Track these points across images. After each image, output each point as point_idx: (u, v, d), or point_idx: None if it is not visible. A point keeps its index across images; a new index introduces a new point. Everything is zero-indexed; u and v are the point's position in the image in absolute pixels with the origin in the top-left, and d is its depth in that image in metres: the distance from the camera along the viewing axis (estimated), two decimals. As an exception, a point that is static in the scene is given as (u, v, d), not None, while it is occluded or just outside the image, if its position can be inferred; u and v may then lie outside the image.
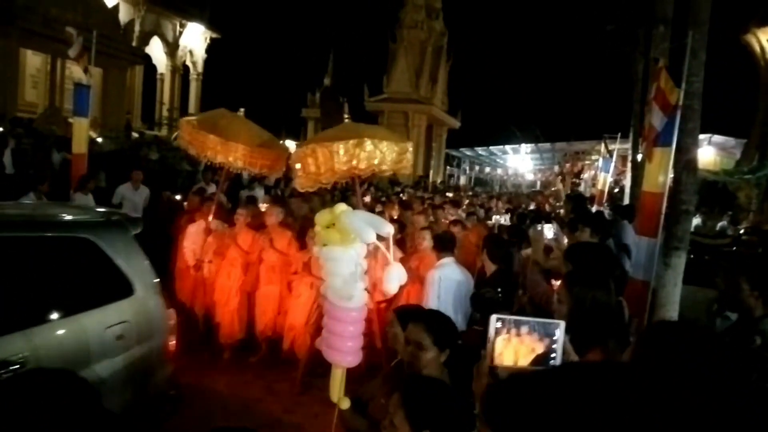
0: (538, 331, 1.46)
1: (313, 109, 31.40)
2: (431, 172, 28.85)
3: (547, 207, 13.45)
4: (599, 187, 15.93)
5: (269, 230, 6.13)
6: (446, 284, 4.64)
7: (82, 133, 8.06)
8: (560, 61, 55.17)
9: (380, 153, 4.86)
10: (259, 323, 6.01)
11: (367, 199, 11.42)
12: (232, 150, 5.68)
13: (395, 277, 2.48)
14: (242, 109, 6.58)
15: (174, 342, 3.80)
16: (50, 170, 10.00)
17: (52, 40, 16.59)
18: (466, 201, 14.40)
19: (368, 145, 4.81)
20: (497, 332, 1.44)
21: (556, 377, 0.72)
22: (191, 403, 4.52)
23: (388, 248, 2.48)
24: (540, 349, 1.46)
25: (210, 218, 6.31)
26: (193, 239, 6.42)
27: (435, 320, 2.45)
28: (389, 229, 2.50)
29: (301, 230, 6.23)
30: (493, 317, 1.44)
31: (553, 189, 26.42)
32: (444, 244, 4.99)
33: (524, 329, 1.47)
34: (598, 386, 0.65)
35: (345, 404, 2.56)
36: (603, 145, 17.18)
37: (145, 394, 3.55)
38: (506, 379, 1.26)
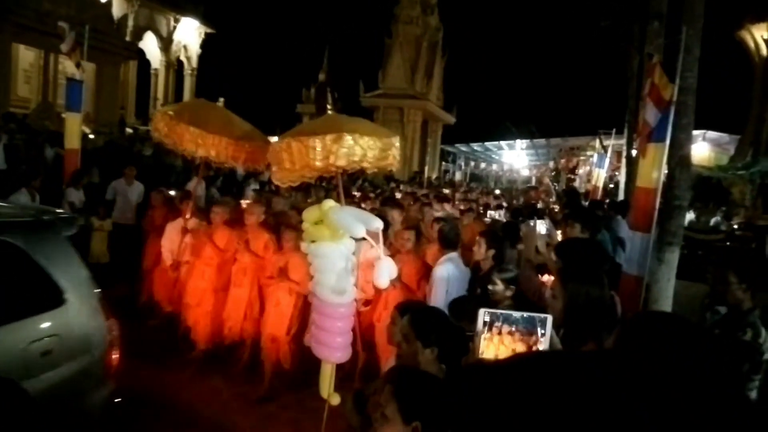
0: (525, 325, 1.47)
1: (308, 104, 31.28)
2: (426, 168, 28.84)
3: (540, 204, 13.42)
4: (594, 182, 15.96)
5: (247, 230, 5.70)
6: (453, 281, 4.63)
7: (75, 128, 8.02)
8: (555, 57, 55.22)
9: (361, 149, 4.58)
10: (224, 327, 5.64)
11: (358, 194, 11.34)
12: (213, 143, 5.42)
13: (385, 272, 2.47)
14: (221, 99, 6.48)
15: (116, 356, 3.40)
16: (43, 166, 9.94)
17: (45, 35, 16.47)
18: (459, 196, 14.16)
19: (348, 140, 4.54)
20: (486, 326, 1.45)
21: (531, 364, 0.70)
22: (158, 412, 4.41)
23: (378, 243, 2.48)
24: (521, 348, 1.46)
25: (188, 216, 6.00)
26: (171, 238, 6.13)
27: (421, 314, 2.41)
28: (378, 224, 2.50)
29: (275, 227, 5.89)
30: (482, 311, 1.45)
31: (544, 183, 26.48)
32: (450, 240, 4.94)
33: (506, 329, 1.48)
34: (577, 375, 0.64)
35: (335, 400, 2.57)
36: (598, 140, 17.19)
37: (78, 416, 3.19)
38: (473, 367, 1.25)
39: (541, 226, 4.98)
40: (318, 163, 4.52)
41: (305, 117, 31.47)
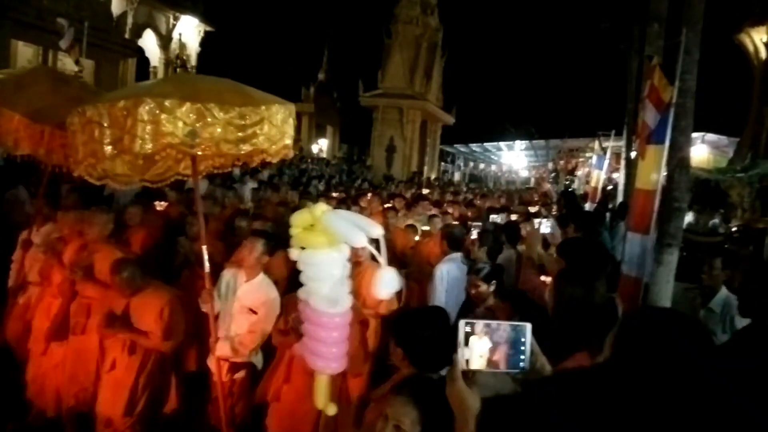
0: (501, 334, 1.46)
1: (308, 103, 31.31)
2: (425, 168, 28.84)
3: (536, 207, 13.16)
4: (593, 184, 15.99)
5: (89, 249, 4.21)
6: (452, 281, 4.66)
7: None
8: (555, 58, 55.29)
9: (180, 124, 3.10)
10: (56, 393, 4.11)
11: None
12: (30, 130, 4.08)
13: (387, 283, 2.35)
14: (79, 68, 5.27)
15: None
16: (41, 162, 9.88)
17: (44, 32, 16.41)
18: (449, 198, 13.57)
19: (147, 109, 3.02)
20: (466, 336, 1.43)
21: (542, 398, 0.70)
22: None
23: (378, 250, 2.36)
24: (496, 355, 1.44)
25: (35, 229, 4.75)
26: (18, 255, 4.83)
27: (399, 320, 2.49)
28: (379, 231, 2.32)
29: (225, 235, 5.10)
30: (462, 322, 1.44)
31: (545, 188, 26.47)
32: (455, 241, 5.02)
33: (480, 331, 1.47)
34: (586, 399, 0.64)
35: (332, 410, 2.55)
36: (597, 142, 17.22)
37: None
38: (490, 407, 1.27)
39: (545, 227, 4.99)
40: (107, 148, 3.14)
41: (304, 116, 31.52)
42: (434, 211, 8.51)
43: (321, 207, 2.47)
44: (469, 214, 9.87)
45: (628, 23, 11.04)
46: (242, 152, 3.41)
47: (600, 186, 15.29)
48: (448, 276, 4.69)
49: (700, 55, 5.00)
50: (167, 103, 3.07)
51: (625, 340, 1.31)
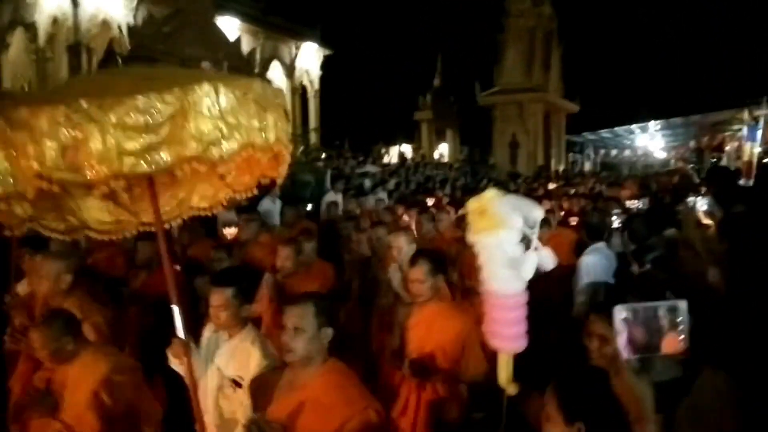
0: (658, 316, 1.43)
1: (425, 111, 31.68)
2: (553, 161, 27.85)
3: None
4: (745, 158, 14.40)
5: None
6: (599, 271, 4.63)
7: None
8: (685, 25, 50.34)
9: (115, 146, 1.98)
10: None
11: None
12: None
13: (542, 263, 2.44)
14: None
15: None
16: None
17: (189, 77, 18.35)
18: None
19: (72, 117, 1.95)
20: (624, 323, 1.43)
21: None
22: None
23: (536, 233, 2.46)
24: (658, 339, 1.41)
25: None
26: None
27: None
28: (538, 214, 2.47)
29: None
30: (617, 308, 1.44)
31: (684, 170, 24.26)
32: (593, 231, 5.02)
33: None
34: None
35: (513, 389, 2.63)
36: (746, 111, 15.52)
37: None
38: None
39: (701, 204, 4.67)
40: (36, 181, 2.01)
41: (423, 123, 31.94)
42: (548, 205, 8.09)
43: (490, 192, 2.59)
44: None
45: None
46: (155, 168, 2.06)
47: (755, 160, 13.75)
48: (594, 268, 4.62)
49: None
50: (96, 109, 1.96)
51: None
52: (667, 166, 31.53)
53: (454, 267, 5.29)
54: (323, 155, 19.80)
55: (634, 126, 36.56)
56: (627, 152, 41.99)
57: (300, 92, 26.88)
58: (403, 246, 4.48)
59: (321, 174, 14.61)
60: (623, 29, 50.50)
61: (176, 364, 2.62)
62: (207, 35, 18.84)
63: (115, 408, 2.67)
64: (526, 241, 2.51)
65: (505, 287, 2.56)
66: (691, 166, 24.54)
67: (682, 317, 1.43)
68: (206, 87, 2.14)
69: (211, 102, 2.13)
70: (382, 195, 12.20)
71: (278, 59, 25.33)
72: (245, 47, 22.09)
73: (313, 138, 24.06)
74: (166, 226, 2.94)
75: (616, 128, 37.72)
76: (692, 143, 33.80)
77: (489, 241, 2.55)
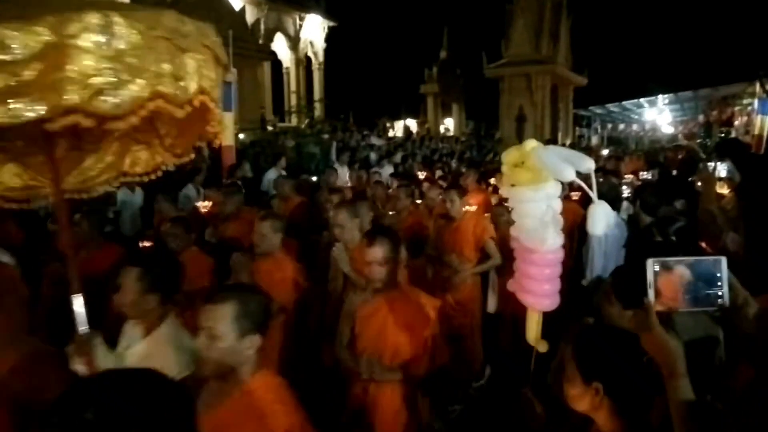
0: (699, 270, 1.38)
1: (431, 84, 31.34)
2: (560, 134, 27.60)
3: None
4: (756, 132, 14.22)
5: None
6: (610, 242, 4.58)
7: (229, 126, 8.85)
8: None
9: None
10: None
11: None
12: None
13: (601, 218, 2.22)
14: None
15: None
16: (203, 162, 11.03)
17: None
18: None
19: None
20: (655, 276, 1.38)
21: None
22: None
23: (590, 186, 2.22)
24: (691, 294, 1.37)
25: None
26: None
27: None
28: (590, 165, 2.21)
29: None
30: (650, 261, 1.39)
31: (689, 145, 23.99)
32: (607, 200, 4.95)
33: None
34: None
35: (543, 347, 2.54)
36: (758, 84, 15.23)
37: None
38: None
39: (722, 168, 4.57)
40: None
41: (429, 97, 31.64)
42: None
43: (531, 143, 2.40)
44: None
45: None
46: (14, 120, 1.59)
47: (765, 134, 13.57)
48: (605, 238, 4.55)
49: None
50: None
51: None
52: (674, 141, 31.21)
53: (433, 244, 5.10)
54: (328, 127, 19.68)
55: (642, 100, 36.13)
56: (635, 126, 41.60)
57: (305, 64, 26.58)
58: (344, 223, 3.96)
59: (327, 146, 14.56)
60: (632, 1, 49.54)
61: (79, 365, 2.13)
62: (211, 3, 18.60)
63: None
64: (578, 195, 2.35)
65: (543, 243, 2.40)
66: (699, 141, 24.24)
67: (722, 273, 1.38)
68: (93, 18, 1.63)
69: (101, 37, 1.65)
70: (389, 168, 12.12)
71: (282, 31, 24.99)
72: (249, 18, 21.78)
73: (318, 110, 23.86)
74: (94, 193, 2.60)
75: (624, 102, 37.29)
76: (701, 117, 33.41)
77: (525, 194, 2.40)
